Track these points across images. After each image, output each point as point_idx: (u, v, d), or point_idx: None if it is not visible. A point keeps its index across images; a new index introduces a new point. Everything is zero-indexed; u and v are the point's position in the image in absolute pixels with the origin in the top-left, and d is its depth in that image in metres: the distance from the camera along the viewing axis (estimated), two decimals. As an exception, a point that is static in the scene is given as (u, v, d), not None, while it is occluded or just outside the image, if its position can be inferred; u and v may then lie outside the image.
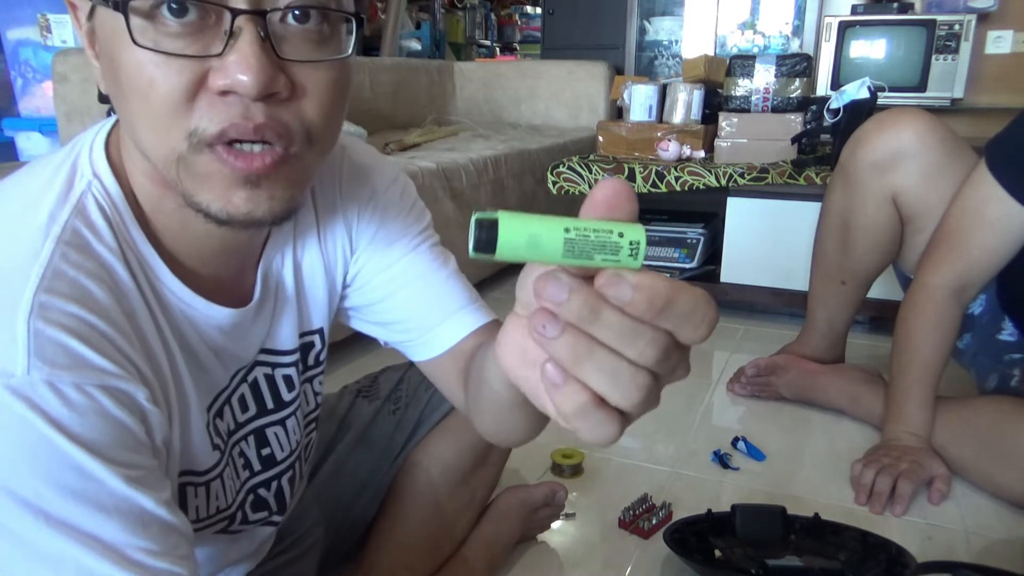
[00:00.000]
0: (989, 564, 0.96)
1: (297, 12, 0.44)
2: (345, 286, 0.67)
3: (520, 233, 0.24)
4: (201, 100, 0.43)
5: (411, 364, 0.92)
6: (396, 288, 0.66)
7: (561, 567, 1.02)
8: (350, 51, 0.48)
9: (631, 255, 0.25)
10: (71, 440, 0.41)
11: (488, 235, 0.24)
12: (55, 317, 0.43)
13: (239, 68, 0.42)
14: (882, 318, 1.82)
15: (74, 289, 0.45)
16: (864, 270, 1.40)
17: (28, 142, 2.66)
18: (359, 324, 0.69)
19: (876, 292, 1.51)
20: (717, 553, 0.97)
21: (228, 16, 0.42)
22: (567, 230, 0.25)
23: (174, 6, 0.42)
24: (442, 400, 0.90)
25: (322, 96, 0.46)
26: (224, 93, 0.43)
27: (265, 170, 0.45)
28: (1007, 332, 1.26)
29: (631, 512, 1.09)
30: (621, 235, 0.25)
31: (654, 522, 1.07)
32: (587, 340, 0.26)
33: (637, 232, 0.25)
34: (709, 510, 1.02)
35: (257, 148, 0.44)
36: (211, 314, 0.55)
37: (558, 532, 1.09)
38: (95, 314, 0.45)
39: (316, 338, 0.67)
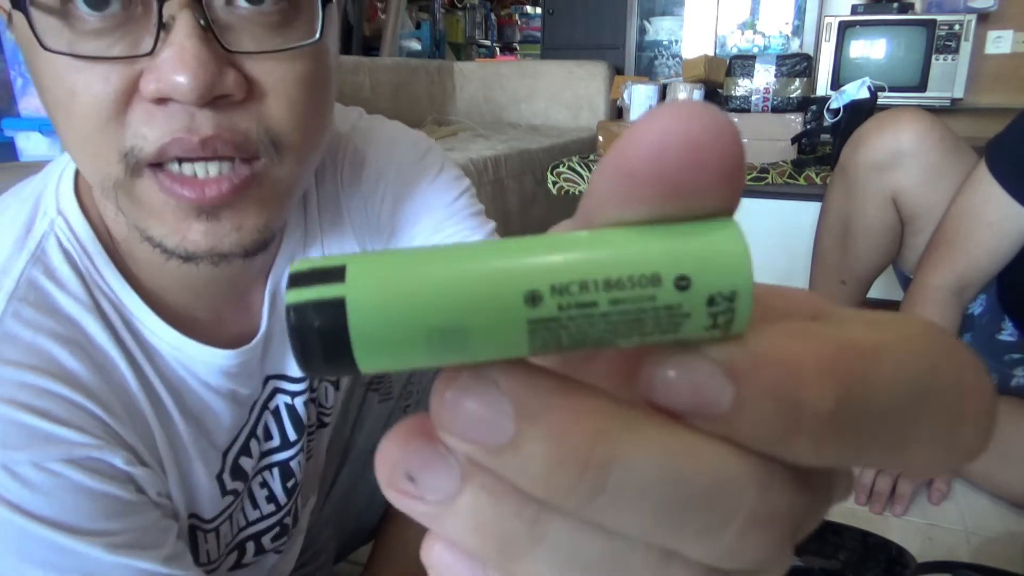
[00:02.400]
0: (989, 564, 0.96)
1: None
2: None
3: (412, 333, 0.11)
4: (135, 111, 0.35)
5: None
6: None
7: (561, 567, 1.02)
8: (318, 35, 0.38)
9: (712, 321, 0.11)
10: (38, 522, 0.37)
11: (325, 320, 0.11)
12: (5, 391, 0.38)
13: (173, 67, 0.33)
14: (882, 318, 1.82)
15: (29, 354, 0.39)
16: (864, 270, 1.40)
17: (28, 142, 2.66)
18: None
19: (876, 292, 1.51)
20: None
21: (156, 2, 0.34)
22: (533, 299, 0.11)
23: None
24: None
25: (289, 94, 0.38)
26: (161, 101, 0.35)
27: (222, 199, 0.37)
28: (1007, 332, 1.26)
29: (631, 512, 1.08)
30: (686, 287, 0.11)
31: (654, 522, 1.07)
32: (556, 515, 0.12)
33: (726, 244, 0.11)
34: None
35: (212, 169, 0.36)
36: (209, 359, 0.47)
37: (558, 532, 1.09)
38: (56, 380, 0.39)
39: None
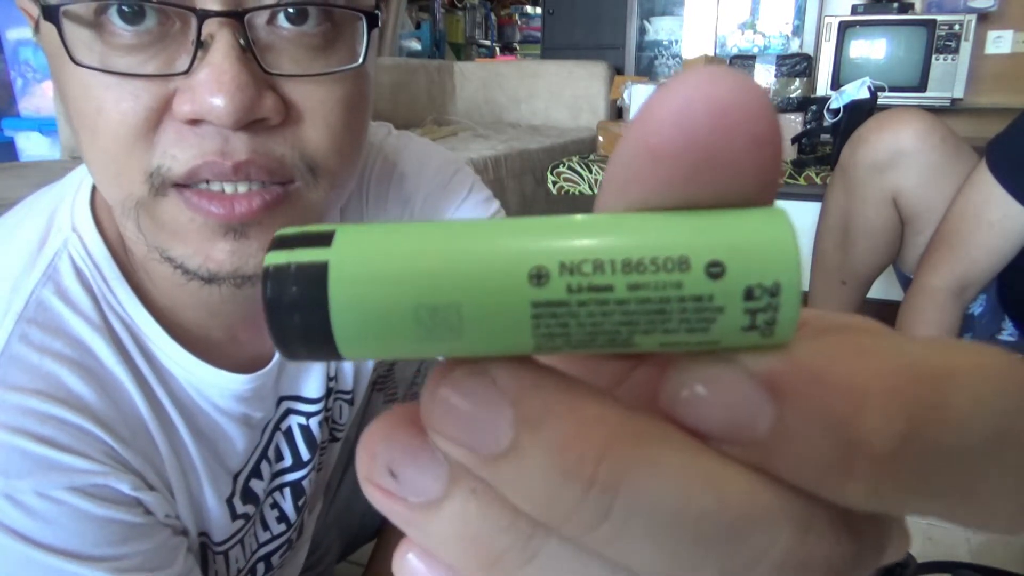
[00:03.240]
0: (989, 564, 0.96)
1: (291, 11, 0.34)
2: None
3: (390, 305, 0.10)
4: (165, 131, 0.34)
5: None
6: None
7: (561, 567, 1.02)
8: (362, 59, 0.37)
9: (751, 321, 0.10)
10: (42, 550, 0.37)
11: (303, 286, 0.10)
12: (8, 418, 0.37)
13: (210, 89, 0.32)
14: (882, 318, 1.82)
15: (35, 378, 0.38)
16: (864, 270, 1.41)
17: (28, 142, 2.66)
18: None
19: (876, 292, 1.51)
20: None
21: (195, 20, 0.32)
22: (538, 277, 0.10)
23: (125, 9, 0.32)
24: None
25: (328, 119, 0.36)
26: (194, 122, 0.34)
27: (252, 215, 0.35)
28: (1007, 332, 1.26)
29: (631, 512, 1.08)
30: (720, 275, 0.10)
31: (654, 522, 1.07)
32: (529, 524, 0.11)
33: (769, 228, 0.10)
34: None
35: (242, 187, 0.35)
36: (223, 384, 0.46)
37: (558, 532, 1.09)
38: (62, 405, 0.38)
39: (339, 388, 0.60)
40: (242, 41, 0.33)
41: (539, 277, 0.10)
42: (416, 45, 4.34)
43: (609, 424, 0.10)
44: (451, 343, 0.10)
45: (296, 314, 0.10)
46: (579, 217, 0.10)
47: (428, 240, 0.10)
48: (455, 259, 0.10)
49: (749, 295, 0.09)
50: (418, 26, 4.49)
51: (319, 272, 0.10)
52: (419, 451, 0.11)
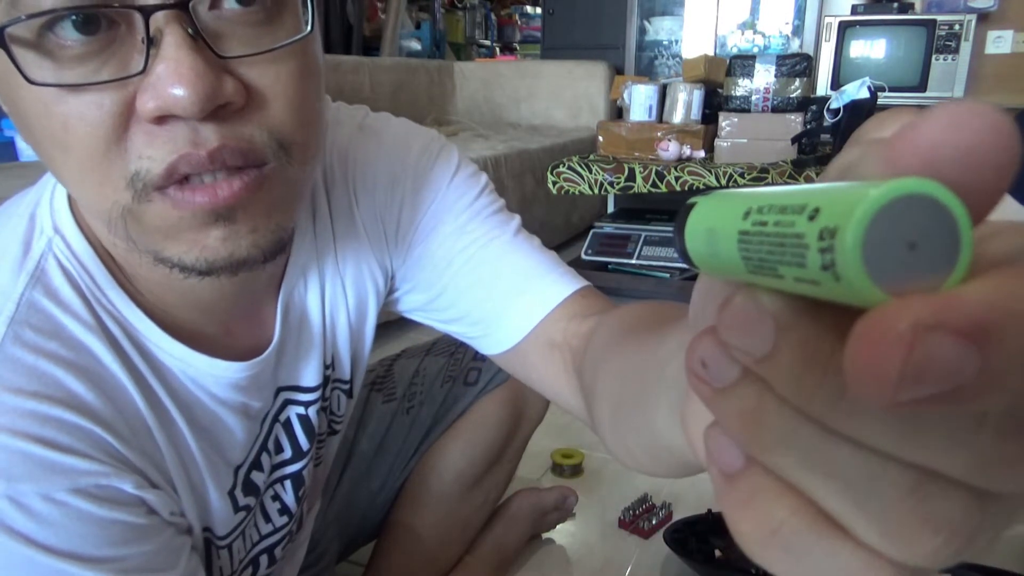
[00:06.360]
0: (989, 564, 0.96)
1: None
2: (392, 291, 0.58)
3: (701, 229, 0.16)
4: (134, 135, 0.34)
5: (427, 352, 0.86)
6: (448, 280, 0.53)
7: (561, 567, 1.02)
8: (311, 27, 0.37)
9: (822, 261, 0.11)
10: (46, 552, 0.37)
11: (679, 235, 0.17)
12: (7, 421, 0.37)
13: (170, 81, 0.32)
14: (882, 318, 1.82)
15: (32, 380, 0.38)
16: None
17: (28, 142, 2.66)
18: (432, 324, 0.59)
19: (876, 292, 1.51)
20: (717, 553, 0.97)
21: (140, 18, 0.32)
22: (747, 214, 0.14)
23: (75, 19, 0.32)
24: (457, 398, 0.86)
25: (288, 93, 0.36)
26: (160, 119, 0.33)
27: (235, 198, 0.35)
28: (1007, 332, 1.26)
29: (631, 512, 1.09)
30: (814, 217, 0.12)
31: (654, 522, 1.07)
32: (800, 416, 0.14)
33: (866, 189, 0.11)
34: (709, 510, 1.02)
35: (220, 175, 0.35)
36: (219, 373, 0.46)
37: (558, 532, 1.09)
38: (60, 406, 0.38)
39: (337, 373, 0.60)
40: (191, 30, 0.33)
41: (746, 215, 0.14)
42: (416, 45, 4.34)
43: (841, 327, 0.12)
44: (714, 252, 0.15)
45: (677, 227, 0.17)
46: (774, 188, 0.14)
47: (720, 200, 0.16)
48: (724, 203, 0.15)
49: (821, 236, 0.11)
50: (418, 26, 4.49)
51: (688, 210, 0.17)
52: (722, 351, 0.15)
